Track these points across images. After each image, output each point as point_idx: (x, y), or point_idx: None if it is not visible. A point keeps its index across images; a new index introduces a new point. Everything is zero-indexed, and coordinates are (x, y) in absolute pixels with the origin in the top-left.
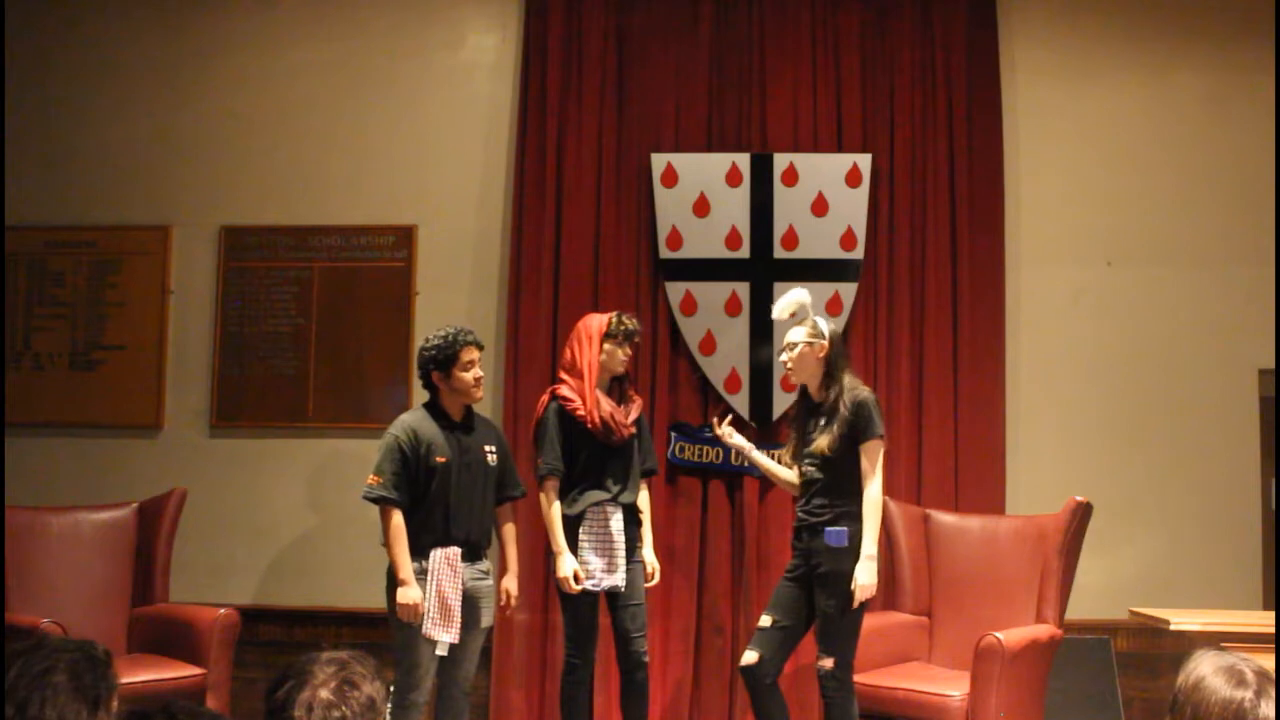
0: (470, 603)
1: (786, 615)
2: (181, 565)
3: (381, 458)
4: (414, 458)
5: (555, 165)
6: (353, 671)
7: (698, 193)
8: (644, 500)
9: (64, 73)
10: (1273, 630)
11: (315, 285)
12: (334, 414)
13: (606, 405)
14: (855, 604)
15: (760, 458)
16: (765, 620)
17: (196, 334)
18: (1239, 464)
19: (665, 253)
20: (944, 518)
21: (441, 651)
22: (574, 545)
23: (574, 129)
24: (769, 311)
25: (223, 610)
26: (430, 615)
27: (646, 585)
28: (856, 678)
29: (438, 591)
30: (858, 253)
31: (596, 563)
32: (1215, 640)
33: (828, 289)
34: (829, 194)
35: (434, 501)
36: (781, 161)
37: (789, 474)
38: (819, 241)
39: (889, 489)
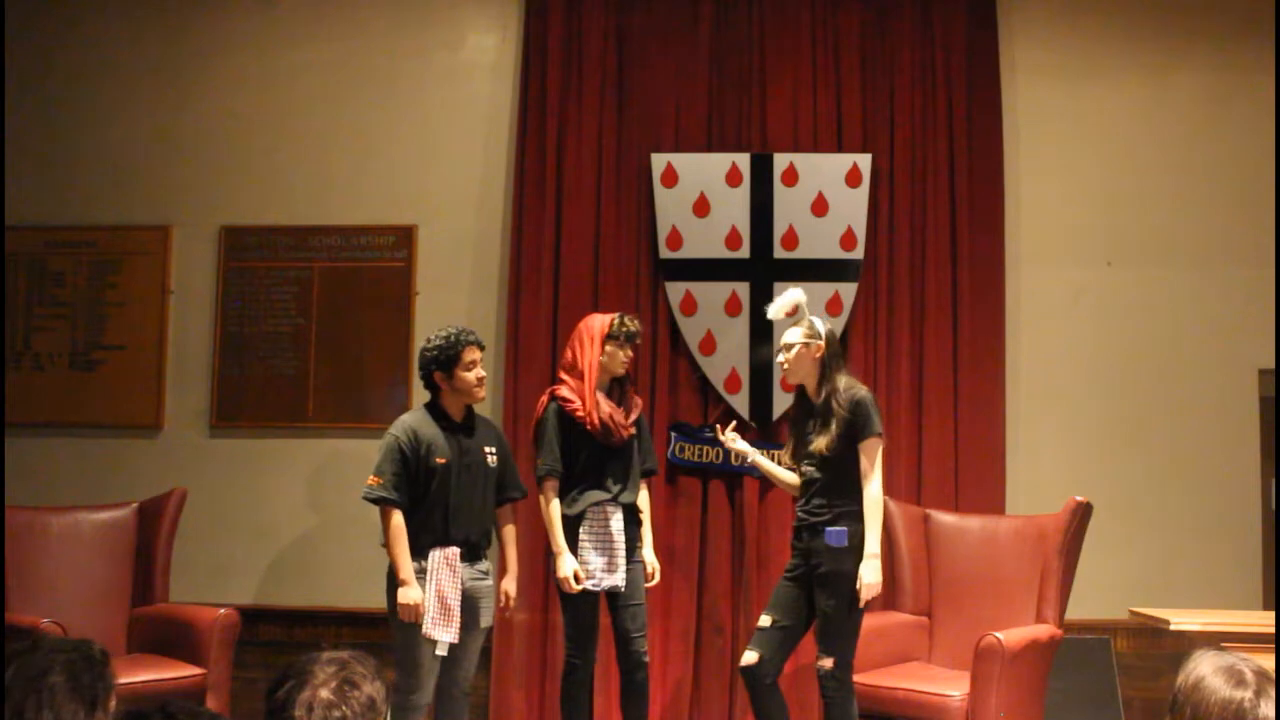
0: (470, 603)
1: (786, 615)
2: (181, 565)
3: (381, 458)
4: (414, 458)
5: (555, 165)
6: (353, 671)
7: (698, 193)
8: (644, 500)
9: (64, 73)
10: (1273, 630)
11: (315, 285)
12: (334, 414)
13: (606, 406)
14: (861, 603)
15: (762, 461)
16: (765, 620)
17: (196, 334)
18: (1239, 464)
19: (665, 253)
20: (944, 518)
21: (441, 651)
22: (574, 545)
23: (574, 129)
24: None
25: (223, 610)
26: (430, 615)
27: (646, 585)
28: (856, 678)
29: (437, 591)
30: (858, 253)
31: (596, 563)
32: (1215, 640)
33: (828, 289)
34: (829, 194)
35: (434, 502)
36: (781, 161)
37: (790, 476)
38: (819, 241)
39: (889, 489)
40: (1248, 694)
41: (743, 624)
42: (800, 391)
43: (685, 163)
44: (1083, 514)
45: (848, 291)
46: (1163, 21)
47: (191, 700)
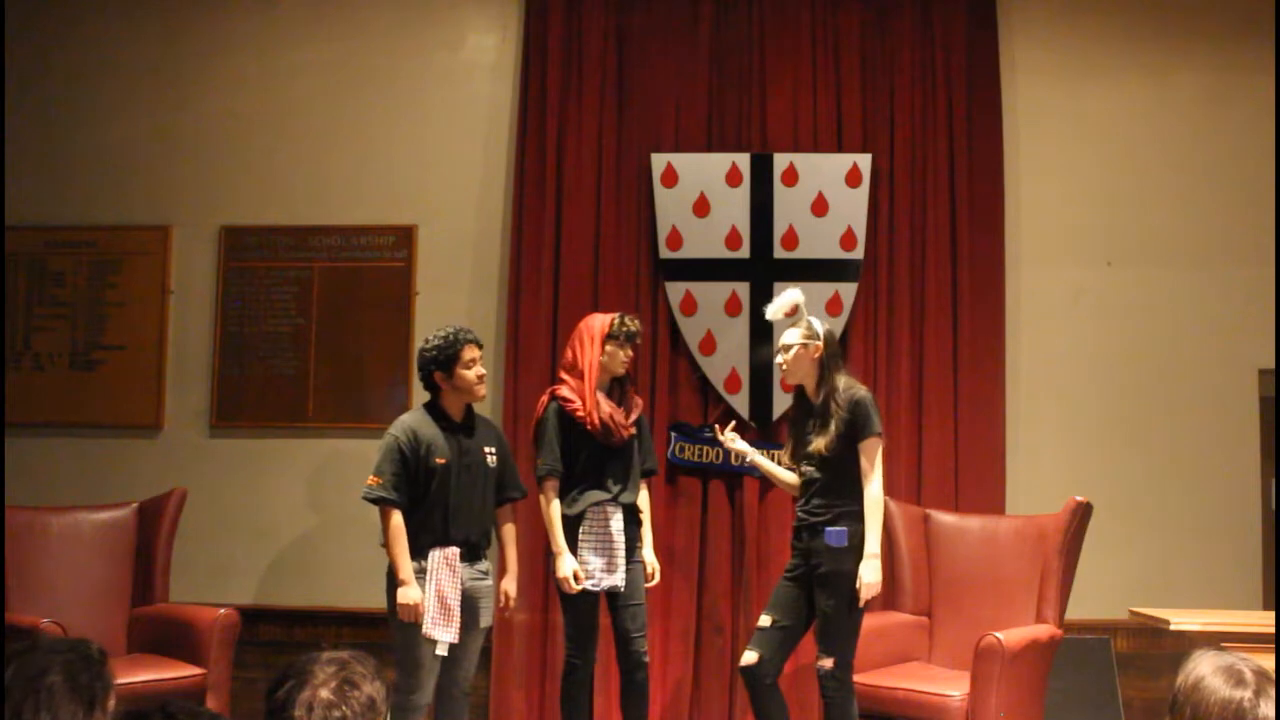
0: (469, 603)
1: (786, 615)
2: (181, 565)
3: (381, 458)
4: (413, 458)
5: (555, 165)
6: (353, 671)
7: (698, 193)
8: (644, 500)
9: (64, 73)
10: (1273, 630)
11: (315, 285)
12: (334, 414)
13: (606, 406)
14: (861, 602)
15: (762, 461)
16: (765, 620)
17: (196, 334)
18: (1239, 464)
19: (665, 253)
20: (944, 518)
21: (441, 651)
22: (574, 545)
23: (574, 129)
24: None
25: (223, 610)
26: (430, 615)
27: (646, 585)
28: (856, 678)
29: (437, 591)
30: (858, 253)
31: (596, 563)
32: (1215, 640)
33: (828, 289)
34: (829, 194)
35: (433, 502)
36: (781, 161)
37: (790, 476)
38: (819, 241)
39: (889, 489)
40: (1247, 694)
41: (743, 624)
42: (800, 392)
43: (685, 163)
44: (1083, 514)
45: (848, 291)
46: (1163, 21)
47: (191, 700)
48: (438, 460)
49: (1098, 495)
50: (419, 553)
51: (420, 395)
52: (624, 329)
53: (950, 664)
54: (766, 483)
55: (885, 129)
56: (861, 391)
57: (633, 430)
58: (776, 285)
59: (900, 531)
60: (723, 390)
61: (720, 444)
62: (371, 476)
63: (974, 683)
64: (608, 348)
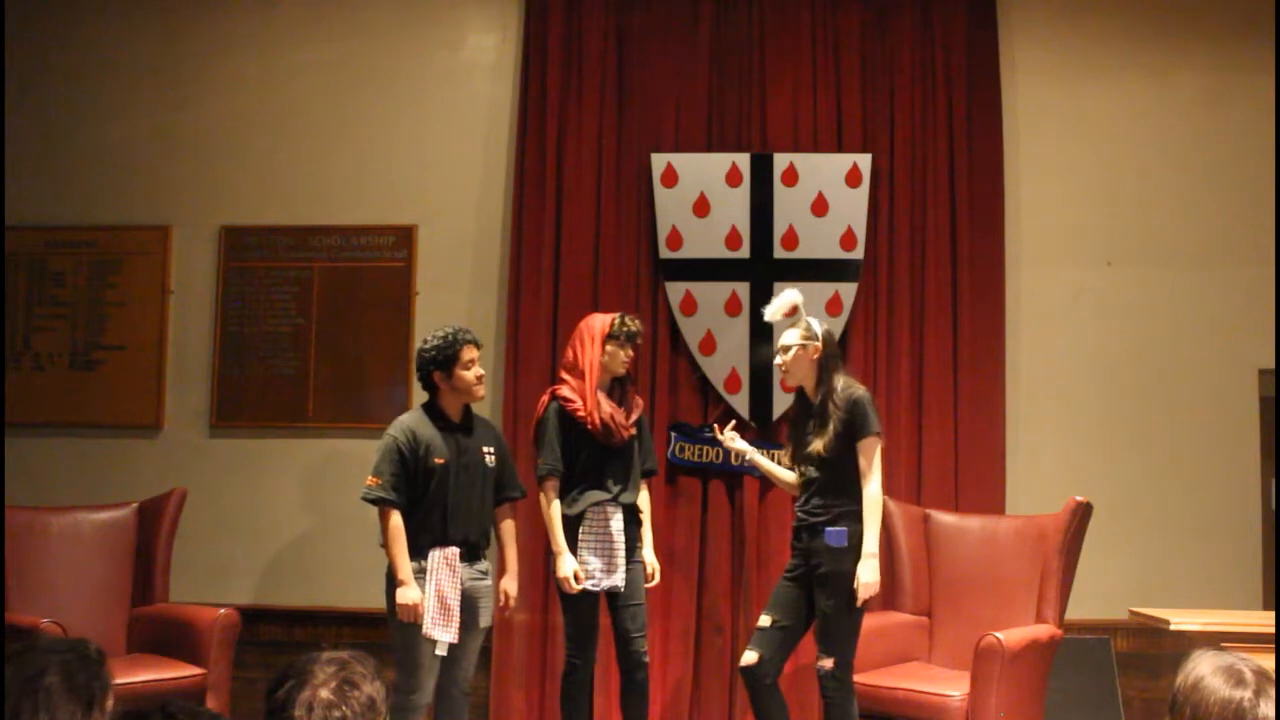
0: (469, 603)
1: (786, 615)
2: (181, 565)
3: (380, 459)
4: (412, 459)
5: (555, 165)
6: (353, 671)
7: (698, 193)
8: (644, 500)
9: (64, 73)
10: (1273, 630)
11: (315, 285)
12: (334, 414)
13: (607, 406)
14: (859, 602)
15: (762, 460)
16: (765, 620)
17: (196, 334)
18: (1239, 464)
19: (665, 253)
20: (944, 518)
21: (441, 651)
22: (574, 545)
23: (574, 129)
24: None
25: (223, 610)
26: (429, 615)
27: (646, 585)
28: (856, 678)
29: (436, 591)
30: (858, 253)
31: (596, 563)
32: (1215, 640)
33: (828, 289)
34: (829, 194)
35: (432, 502)
36: (781, 161)
37: (790, 475)
38: (819, 241)
39: (889, 489)
40: (1247, 694)
41: (743, 624)
42: (800, 392)
43: (685, 163)
44: (1083, 514)
45: (848, 291)
46: (1163, 21)
47: (191, 700)
48: (436, 460)
49: (1098, 495)
50: (418, 553)
51: (420, 395)
52: (624, 329)
53: (950, 664)
54: (766, 483)
55: (885, 129)
56: (859, 391)
57: (633, 430)
58: (776, 285)
59: (900, 531)
60: (723, 390)
61: (720, 444)
62: (370, 477)
63: (974, 683)
64: (608, 348)
